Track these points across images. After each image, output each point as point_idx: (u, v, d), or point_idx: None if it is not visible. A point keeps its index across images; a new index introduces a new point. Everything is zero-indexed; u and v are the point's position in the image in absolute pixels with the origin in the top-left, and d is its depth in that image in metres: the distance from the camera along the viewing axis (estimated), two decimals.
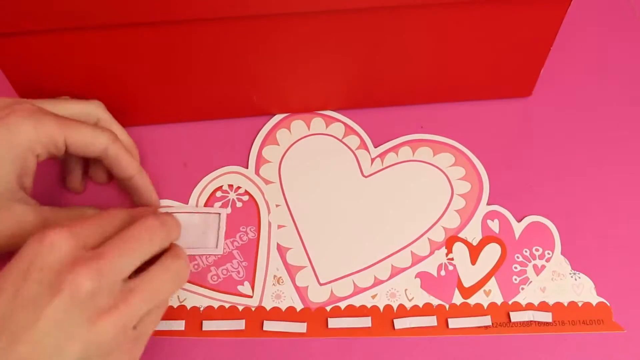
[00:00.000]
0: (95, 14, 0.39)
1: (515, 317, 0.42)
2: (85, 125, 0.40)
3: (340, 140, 0.48)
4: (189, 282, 0.43)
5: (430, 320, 0.42)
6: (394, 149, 0.48)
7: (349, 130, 0.49)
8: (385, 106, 0.50)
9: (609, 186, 0.47)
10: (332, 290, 0.43)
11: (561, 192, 0.46)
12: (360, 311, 0.42)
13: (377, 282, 0.43)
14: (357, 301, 0.42)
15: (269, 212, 0.45)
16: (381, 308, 0.42)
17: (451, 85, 0.49)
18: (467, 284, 0.43)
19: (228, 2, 0.39)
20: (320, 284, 0.43)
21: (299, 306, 0.42)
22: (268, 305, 0.42)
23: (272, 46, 0.43)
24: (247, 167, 0.47)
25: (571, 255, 0.44)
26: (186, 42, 0.42)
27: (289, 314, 0.42)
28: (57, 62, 0.42)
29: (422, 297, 0.43)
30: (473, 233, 0.45)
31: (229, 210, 0.45)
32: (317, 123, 0.49)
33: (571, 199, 0.46)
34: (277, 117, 0.49)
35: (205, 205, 0.45)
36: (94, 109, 0.43)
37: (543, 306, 0.42)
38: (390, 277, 0.43)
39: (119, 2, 0.38)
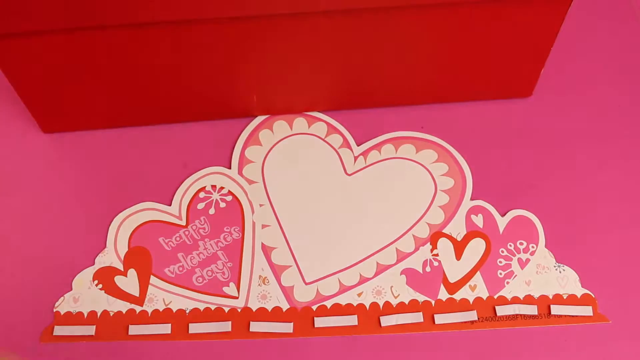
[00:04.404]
0: (95, 14, 0.39)
1: (501, 311, 0.42)
2: None
3: (323, 140, 0.48)
4: (174, 284, 0.43)
5: (417, 317, 0.42)
6: (377, 146, 0.48)
7: (332, 129, 0.49)
8: (384, 107, 0.49)
9: (596, 183, 0.47)
10: (317, 290, 0.43)
11: (548, 188, 0.46)
12: (347, 309, 0.42)
13: (363, 280, 0.43)
14: (343, 299, 0.42)
15: (252, 212, 0.45)
16: (367, 306, 0.42)
17: (451, 85, 0.49)
18: (452, 279, 0.43)
19: (214, 4, 0.39)
20: (306, 283, 0.43)
21: (285, 306, 0.42)
22: (254, 306, 0.42)
23: (273, 46, 0.43)
24: (230, 168, 0.47)
25: (555, 248, 0.44)
26: (177, 43, 0.42)
27: (276, 314, 0.42)
28: (57, 62, 0.42)
29: (407, 294, 0.43)
30: (457, 228, 0.45)
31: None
32: (300, 123, 0.49)
33: (557, 193, 0.46)
34: (260, 118, 0.49)
35: (189, 206, 0.45)
36: None
37: (528, 299, 0.42)
38: (376, 274, 0.43)
39: (118, 3, 0.38)
